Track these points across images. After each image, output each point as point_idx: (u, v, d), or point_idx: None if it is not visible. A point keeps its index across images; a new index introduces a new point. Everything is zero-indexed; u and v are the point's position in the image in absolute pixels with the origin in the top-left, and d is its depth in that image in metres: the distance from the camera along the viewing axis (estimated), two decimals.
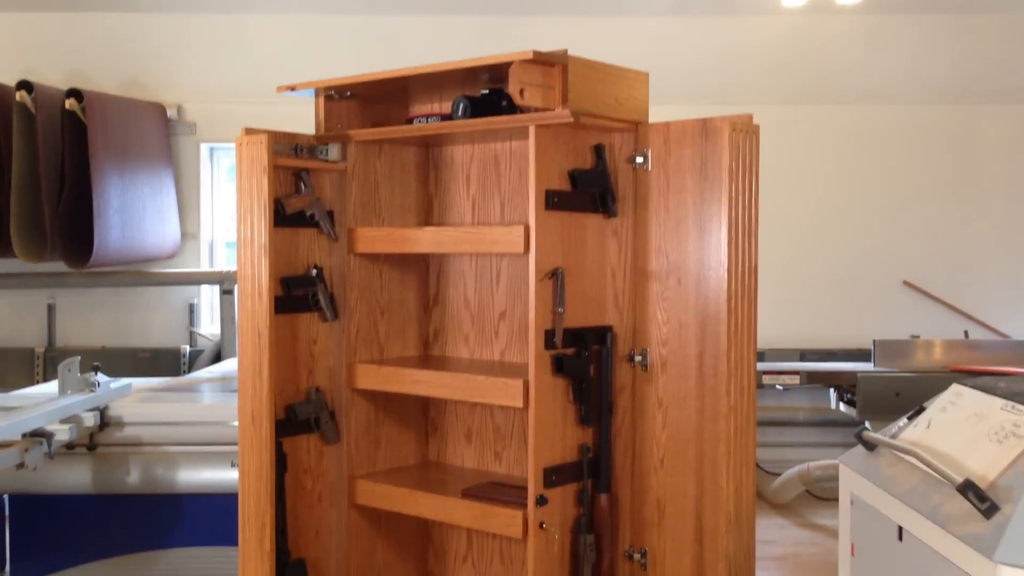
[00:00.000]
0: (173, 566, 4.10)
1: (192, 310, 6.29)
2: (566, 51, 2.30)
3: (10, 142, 5.13)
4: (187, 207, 6.08)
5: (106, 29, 6.01)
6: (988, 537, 1.46)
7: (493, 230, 2.43)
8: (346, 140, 2.71)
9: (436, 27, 5.91)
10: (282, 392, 2.66)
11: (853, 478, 2.04)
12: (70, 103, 5.15)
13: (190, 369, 6.24)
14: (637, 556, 2.43)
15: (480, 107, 2.50)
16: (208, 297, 6.35)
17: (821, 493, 5.83)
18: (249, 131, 2.58)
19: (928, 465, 1.67)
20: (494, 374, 2.49)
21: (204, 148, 6.09)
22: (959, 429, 1.78)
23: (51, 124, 5.17)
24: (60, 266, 5.51)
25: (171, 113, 5.98)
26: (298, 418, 2.67)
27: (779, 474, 5.76)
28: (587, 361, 2.41)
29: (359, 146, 2.74)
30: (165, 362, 6.20)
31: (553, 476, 2.34)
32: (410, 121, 2.71)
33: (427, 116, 2.66)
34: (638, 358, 2.45)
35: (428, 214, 2.90)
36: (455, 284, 2.87)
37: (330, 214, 2.75)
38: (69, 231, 5.32)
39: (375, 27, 5.94)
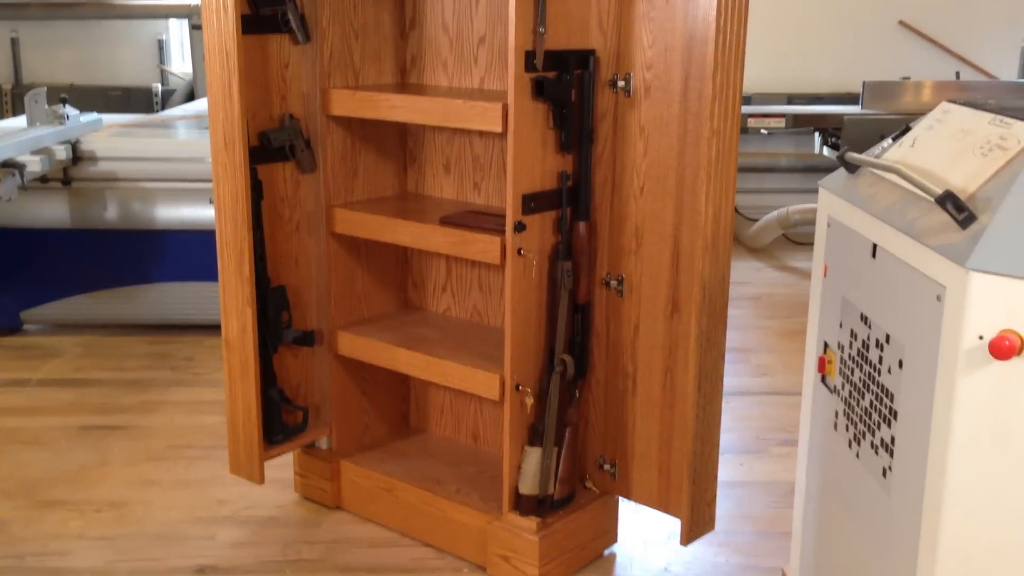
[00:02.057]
0: (155, 299, 4.16)
1: (161, 47, 6.06)
2: None
3: None
4: None
5: None
6: (962, 246, 1.45)
7: None
8: None
9: None
10: (255, 118, 2.57)
11: (831, 200, 2.01)
12: None
13: (163, 108, 6.09)
14: (614, 283, 2.45)
15: None
16: (177, 33, 6.10)
17: (799, 238, 5.90)
18: None
19: (908, 180, 1.63)
20: (474, 99, 2.41)
21: None
22: (944, 146, 1.73)
23: None
24: None
25: None
26: (272, 145, 2.60)
27: (758, 220, 5.80)
28: (568, 85, 2.32)
29: None
30: (136, 100, 6.05)
31: (532, 203, 2.31)
32: None
33: None
34: (621, 83, 2.37)
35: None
36: (432, 5, 2.72)
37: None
38: None
39: None
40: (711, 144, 2.19)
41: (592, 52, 2.37)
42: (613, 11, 2.35)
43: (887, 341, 1.72)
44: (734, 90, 2.20)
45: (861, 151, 5.04)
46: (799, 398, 2.19)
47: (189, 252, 4.05)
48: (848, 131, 5.06)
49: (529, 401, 2.39)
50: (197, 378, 3.80)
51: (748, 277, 5.37)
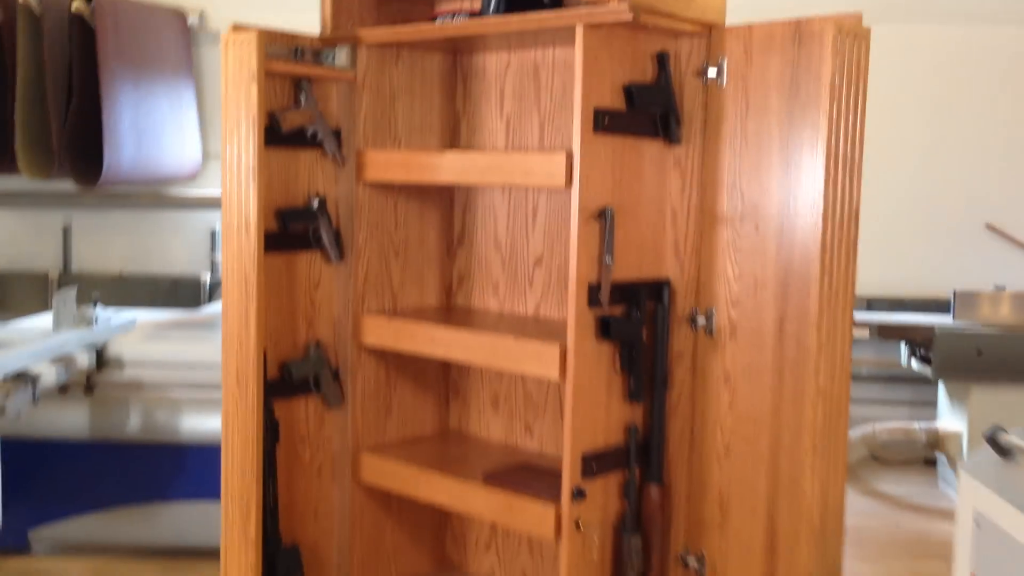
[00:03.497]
0: (175, 520, 3.77)
1: (214, 237, 5.90)
2: None
3: (15, 49, 4.71)
4: (209, 125, 5.64)
5: None
6: None
7: (528, 157, 1.96)
8: (356, 42, 2.24)
9: None
10: (276, 346, 2.24)
11: (980, 492, 1.58)
12: (77, 6, 4.71)
13: (211, 299, 5.89)
14: (693, 562, 2.00)
15: (517, 2, 2.02)
16: None
17: (885, 456, 5.36)
18: (237, 28, 2.12)
19: None
20: (527, 334, 2.05)
21: None
22: None
23: (58, 29, 4.73)
24: (75, 186, 5.14)
25: (192, 20, 5.52)
26: (294, 378, 2.26)
27: None
28: (639, 323, 1.96)
29: (372, 51, 2.27)
30: (185, 291, 5.85)
31: (593, 464, 1.91)
32: (434, 20, 2.23)
33: (454, 14, 2.18)
34: (701, 320, 1.99)
35: (454, 136, 2.44)
36: (484, 221, 2.41)
37: (336, 133, 2.30)
38: (79, 147, 4.93)
39: None
40: (816, 406, 1.78)
41: (667, 282, 2.02)
42: (692, 237, 2.00)
43: None
44: (843, 340, 1.81)
45: (955, 367, 4.46)
46: None
47: (213, 468, 3.68)
48: (940, 345, 4.61)
49: None
50: None
51: None
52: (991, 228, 5.77)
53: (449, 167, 2.10)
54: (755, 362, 1.91)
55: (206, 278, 5.88)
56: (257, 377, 2.10)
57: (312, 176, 2.29)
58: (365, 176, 2.27)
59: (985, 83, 5.49)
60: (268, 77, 2.13)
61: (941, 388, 4.89)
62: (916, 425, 4.92)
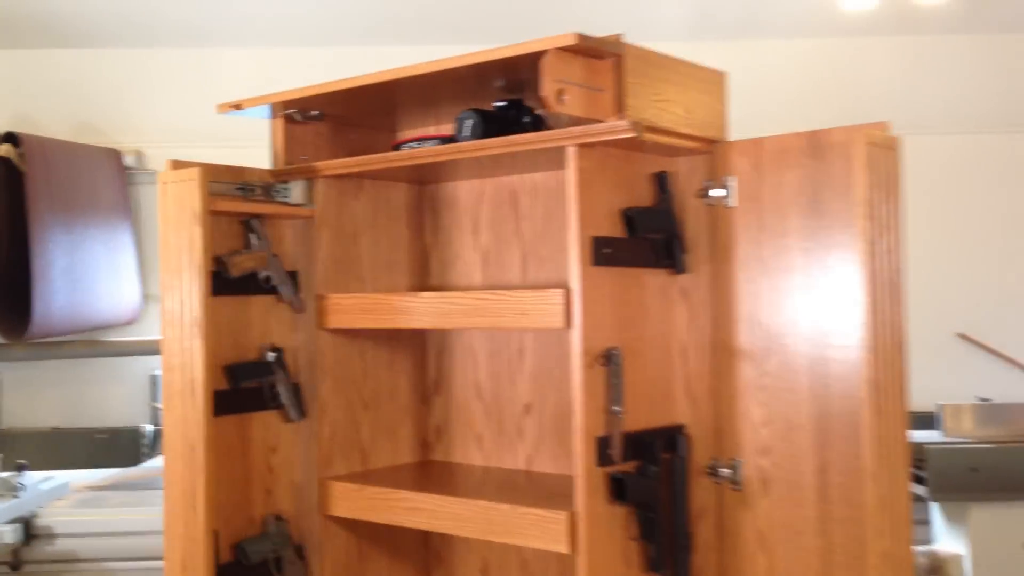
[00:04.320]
0: None
1: (155, 383, 5.54)
2: (619, 36, 1.61)
3: None
4: (149, 266, 5.34)
5: (55, 67, 5.33)
6: None
7: (521, 297, 1.70)
8: (313, 175, 2.00)
9: (429, 59, 5.24)
10: (229, 523, 1.93)
11: None
12: (5, 149, 4.45)
13: (152, 451, 5.50)
14: None
15: (493, 125, 1.80)
16: None
17: None
18: (177, 164, 1.87)
19: None
20: (522, 496, 1.77)
21: None
22: None
23: None
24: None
25: (129, 160, 5.28)
26: (250, 560, 1.93)
27: None
28: (656, 480, 1.69)
29: (331, 183, 2.03)
30: (124, 444, 5.44)
31: None
32: (398, 147, 2.01)
33: (421, 140, 1.96)
34: (725, 471, 1.73)
35: (424, 272, 2.19)
36: (462, 365, 2.15)
37: (292, 276, 2.04)
38: (6, 298, 4.60)
39: (358, 59, 5.25)
40: (881, 574, 1.51)
41: (680, 429, 1.76)
42: (705, 376, 1.76)
43: None
44: (903, 494, 1.56)
45: (951, 487, 4.20)
46: None
47: None
48: (933, 463, 4.38)
49: None
50: None
51: None
52: (963, 337, 5.65)
53: (425, 311, 1.84)
54: (794, 520, 1.65)
55: (147, 429, 5.50)
56: (207, 564, 1.78)
57: (266, 325, 2.02)
58: (327, 323, 2.00)
59: (955, 191, 5.43)
60: (213, 217, 1.87)
61: (936, 508, 4.65)
62: (915, 550, 4.65)
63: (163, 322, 1.87)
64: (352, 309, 1.97)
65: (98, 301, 5.00)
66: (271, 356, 2.01)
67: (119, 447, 5.55)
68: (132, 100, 5.26)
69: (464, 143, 1.77)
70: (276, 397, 2.01)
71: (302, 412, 2.03)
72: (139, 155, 5.31)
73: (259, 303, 2.01)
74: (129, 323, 5.32)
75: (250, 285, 1.98)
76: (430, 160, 1.83)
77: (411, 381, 2.17)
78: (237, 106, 1.98)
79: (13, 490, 3.36)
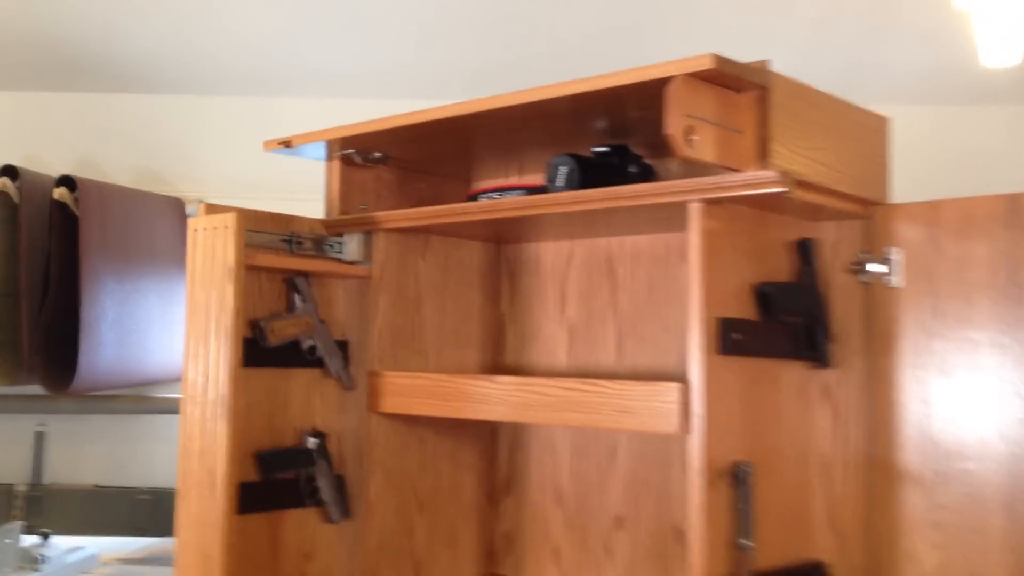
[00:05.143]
0: None
1: None
2: (766, 63, 1.26)
3: None
4: None
5: (121, 112, 5.15)
6: None
7: (623, 391, 1.34)
8: (372, 227, 1.68)
9: None
10: None
11: None
12: (60, 192, 4.24)
13: None
14: None
15: (593, 173, 1.46)
16: None
17: None
18: (211, 208, 1.56)
19: None
20: None
21: None
22: None
23: (38, 217, 4.25)
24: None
25: (190, 210, 5.06)
26: None
27: None
28: None
29: (393, 238, 1.70)
30: (167, 506, 5.18)
31: None
32: (474, 199, 1.68)
33: (502, 189, 1.63)
34: None
35: (497, 348, 1.84)
36: (540, 462, 1.78)
37: (342, 346, 1.70)
38: (52, 347, 4.36)
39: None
40: None
41: (821, 568, 1.37)
42: (855, 502, 1.37)
43: None
44: None
45: None
46: None
47: None
48: None
49: None
50: None
51: None
52: None
53: (501, 399, 1.49)
54: None
55: None
56: None
57: (308, 405, 1.68)
58: (381, 405, 1.66)
59: None
60: (251, 273, 1.55)
61: None
62: None
63: (184, 397, 1.55)
64: (411, 391, 1.62)
65: (148, 356, 4.74)
66: (312, 442, 1.67)
67: (162, 510, 5.27)
68: (196, 148, 5.06)
69: (558, 194, 1.43)
70: (315, 492, 1.66)
71: (346, 511, 1.68)
72: (201, 204, 5.09)
73: (301, 378, 1.68)
74: (180, 380, 5.07)
75: (291, 356, 1.65)
76: (515, 214, 1.49)
77: (477, 478, 1.81)
78: (287, 143, 1.67)
79: (34, 562, 3.05)
